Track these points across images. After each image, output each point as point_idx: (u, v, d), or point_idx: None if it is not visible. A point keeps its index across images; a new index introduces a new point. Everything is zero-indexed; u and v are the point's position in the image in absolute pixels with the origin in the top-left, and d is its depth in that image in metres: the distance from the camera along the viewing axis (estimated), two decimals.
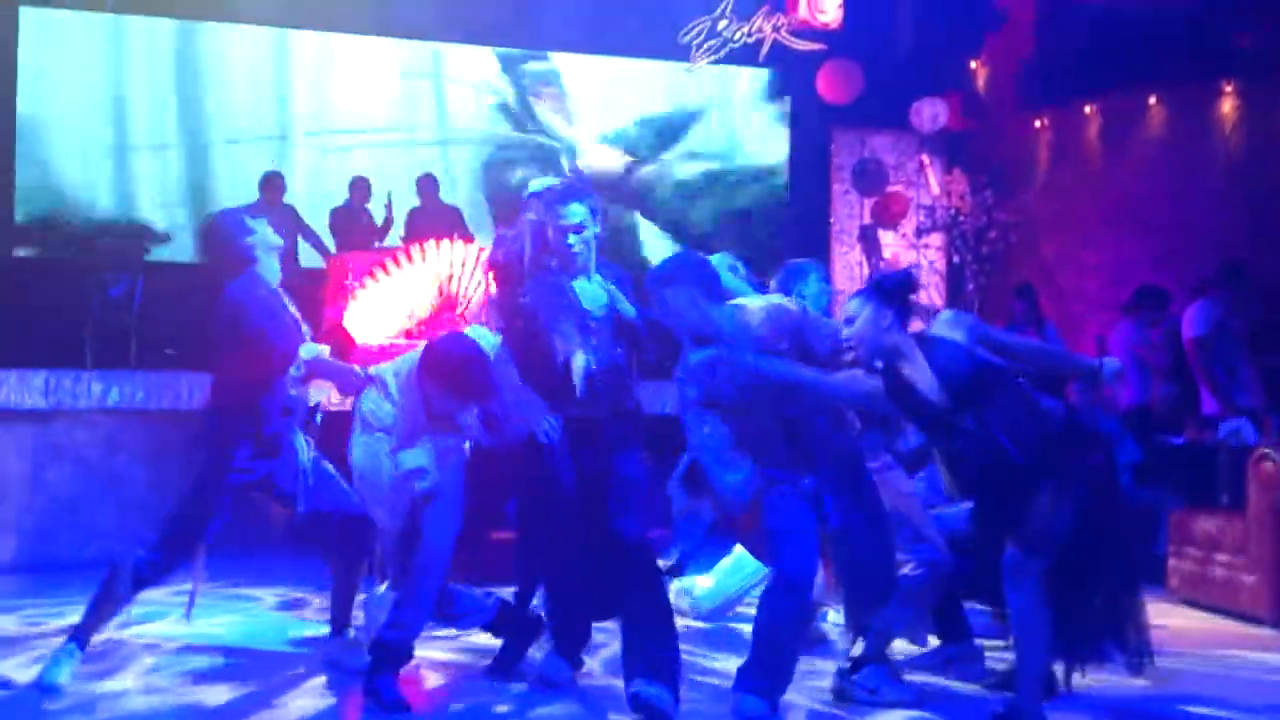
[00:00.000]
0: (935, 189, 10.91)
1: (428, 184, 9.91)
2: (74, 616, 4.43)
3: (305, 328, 4.41)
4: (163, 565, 4.26)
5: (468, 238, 8.69)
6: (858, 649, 4.21)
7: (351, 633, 4.56)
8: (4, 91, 9.54)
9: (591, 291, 4.16)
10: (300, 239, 9.49)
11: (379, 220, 9.61)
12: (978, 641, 4.65)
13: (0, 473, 6.59)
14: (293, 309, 4.41)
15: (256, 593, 5.94)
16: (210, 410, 4.44)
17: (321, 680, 4.37)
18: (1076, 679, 4.12)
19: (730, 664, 4.22)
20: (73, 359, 7.26)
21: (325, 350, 4.34)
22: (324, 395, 4.50)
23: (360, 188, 9.82)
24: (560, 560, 4.24)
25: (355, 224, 9.58)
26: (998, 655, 4.60)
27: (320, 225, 9.65)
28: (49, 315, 8.28)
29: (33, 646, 4.68)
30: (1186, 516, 6.27)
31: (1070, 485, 3.74)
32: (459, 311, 7.77)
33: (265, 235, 4.40)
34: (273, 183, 9.42)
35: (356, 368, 4.37)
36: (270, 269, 4.38)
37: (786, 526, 3.98)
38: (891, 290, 3.86)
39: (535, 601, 4.59)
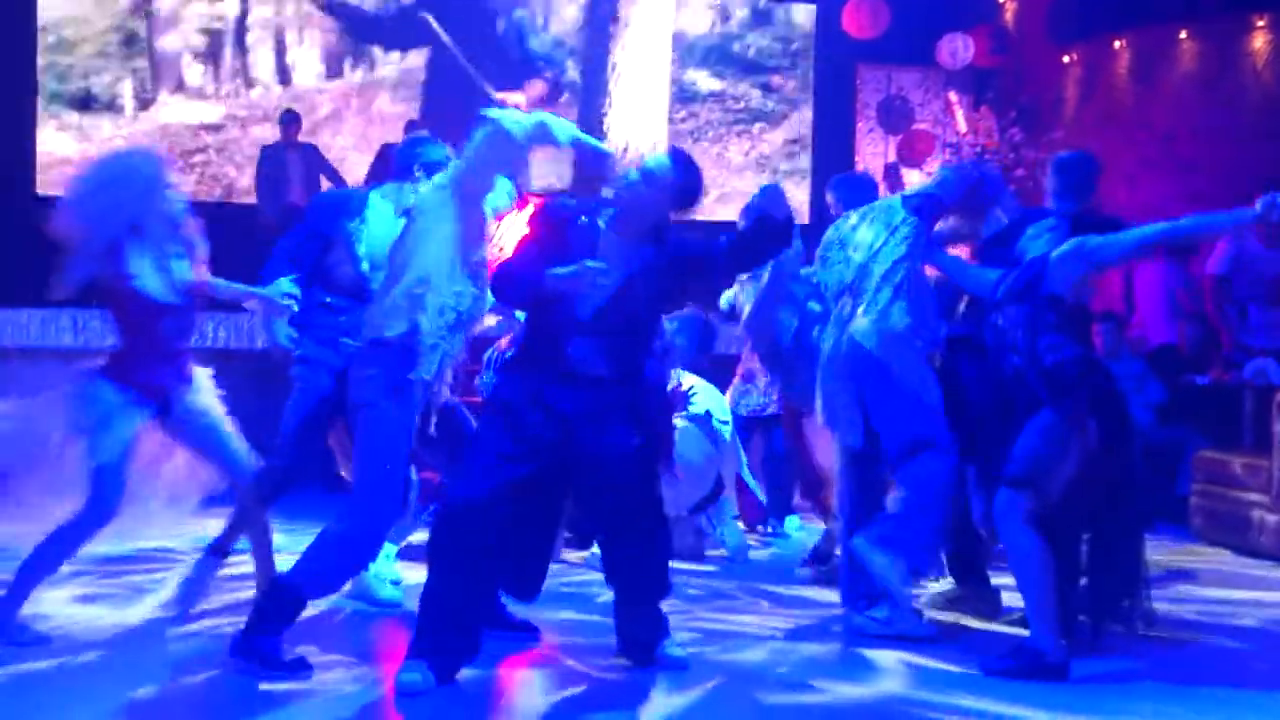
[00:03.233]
0: (962, 126, 10.79)
1: None
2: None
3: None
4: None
5: None
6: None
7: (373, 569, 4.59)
8: (26, 26, 9.56)
9: None
10: (323, 178, 9.48)
11: None
12: (994, 581, 4.68)
13: None
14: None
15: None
16: None
17: (351, 613, 4.44)
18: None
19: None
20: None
21: None
22: None
23: (413, 131, 9.70)
24: None
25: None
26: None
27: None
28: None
29: (79, 583, 4.75)
30: (1210, 456, 6.26)
31: (1065, 424, 3.77)
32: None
33: None
34: (291, 121, 9.38)
35: None
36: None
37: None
38: None
39: None
